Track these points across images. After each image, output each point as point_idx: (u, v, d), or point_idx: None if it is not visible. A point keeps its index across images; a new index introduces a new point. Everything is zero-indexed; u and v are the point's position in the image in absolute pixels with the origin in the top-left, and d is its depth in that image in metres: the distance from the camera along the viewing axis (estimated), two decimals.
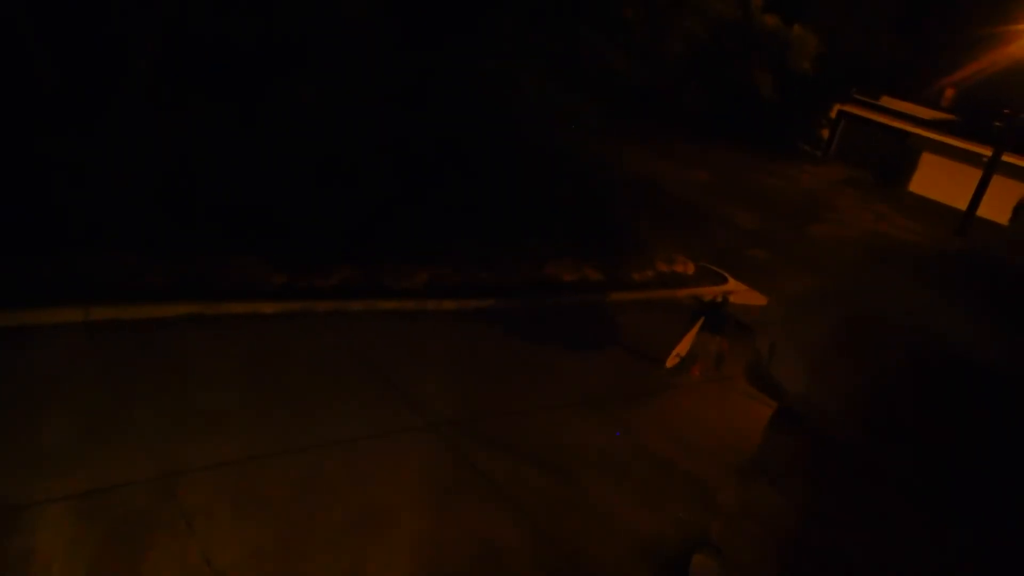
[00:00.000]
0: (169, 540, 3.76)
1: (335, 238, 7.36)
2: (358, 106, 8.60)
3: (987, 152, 23.32)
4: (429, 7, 9.86)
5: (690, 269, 10.98)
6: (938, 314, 1.66)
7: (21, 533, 3.56)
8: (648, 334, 8.32)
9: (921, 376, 1.63)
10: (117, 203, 6.39)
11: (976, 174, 22.90)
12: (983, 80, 25.18)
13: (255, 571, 3.78)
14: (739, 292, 10.61)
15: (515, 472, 5.17)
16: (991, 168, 21.72)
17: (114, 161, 6.65)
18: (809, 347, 1.86)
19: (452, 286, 7.86)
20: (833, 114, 30.47)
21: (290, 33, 8.19)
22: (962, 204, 22.83)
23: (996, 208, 23.58)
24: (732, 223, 15.26)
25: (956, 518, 1.60)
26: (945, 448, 1.58)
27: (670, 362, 7.40)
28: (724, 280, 11.08)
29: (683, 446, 6.21)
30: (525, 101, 10.75)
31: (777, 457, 1.99)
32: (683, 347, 7.40)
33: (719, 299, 7.94)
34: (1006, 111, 21.46)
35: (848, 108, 30.43)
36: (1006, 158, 22.61)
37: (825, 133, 30.60)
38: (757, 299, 10.21)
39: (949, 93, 28.58)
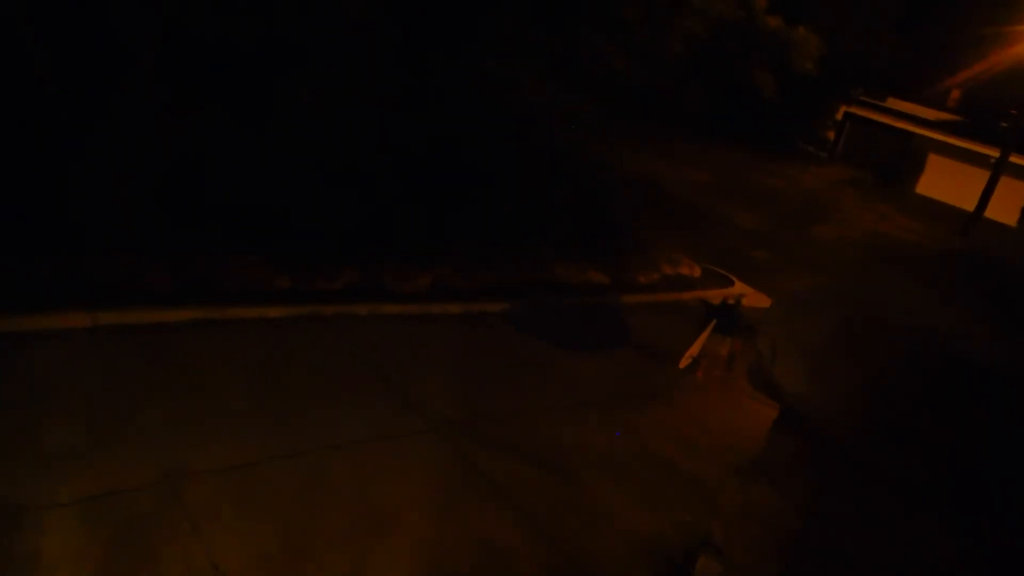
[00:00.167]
0: (175, 543, 3.76)
1: (336, 239, 7.35)
2: (358, 106, 8.60)
3: (993, 153, 23.29)
4: (429, 7, 9.86)
5: (696, 272, 10.92)
6: (938, 314, 1.66)
7: (29, 536, 3.57)
8: (655, 336, 8.33)
9: (921, 376, 1.63)
10: (118, 204, 6.39)
11: (982, 175, 22.87)
12: (988, 81, 25.14)
13: (261, 573, 3.78)
14: (746, 295, 10.59)
15: (516, 473, 5.17)
16: (999, 168, 21.69)
17: (114, 161, 6.65)
18: (809, 347, 1.87)
19: (454, 287, 7.86)
20: (839, 116, 30.45)
21: (290, 33, 8.18)
22: (968, 205, 22.79)
23: (1000, 208, 23.58)
24: (733, 223, 15.25)
25: (956, 518, 1.61)
26: (945, 448, 1.58)
27: (683, 363, 7.47)
28: (731, 283, 11.05)
29: (684, 446, 6.20)
30: (525, 101, 10.75)
31: (777, 458, 1.99)
32: (696, 348, 7.46)
33: (731, 301, 7.96)
34: (1012, 111, 21.45)
35: (854, 110, 30.42)
36: (1012, 159, 22.59)
37: (831, 135, 30.57)
38: (763, 301, 10.21)
39: (955, 94, 28.51)
